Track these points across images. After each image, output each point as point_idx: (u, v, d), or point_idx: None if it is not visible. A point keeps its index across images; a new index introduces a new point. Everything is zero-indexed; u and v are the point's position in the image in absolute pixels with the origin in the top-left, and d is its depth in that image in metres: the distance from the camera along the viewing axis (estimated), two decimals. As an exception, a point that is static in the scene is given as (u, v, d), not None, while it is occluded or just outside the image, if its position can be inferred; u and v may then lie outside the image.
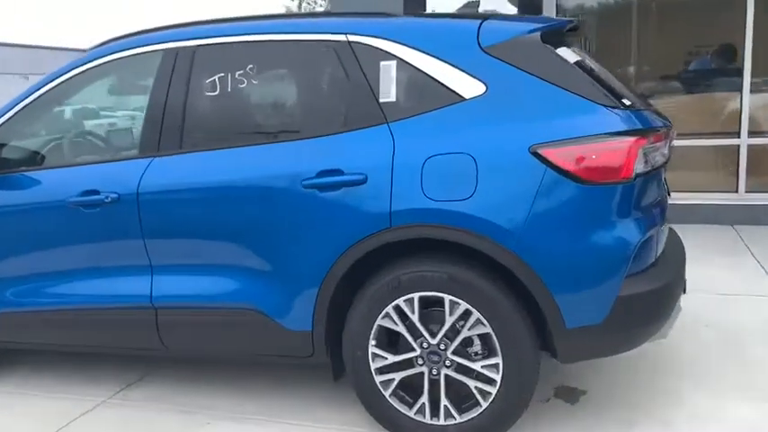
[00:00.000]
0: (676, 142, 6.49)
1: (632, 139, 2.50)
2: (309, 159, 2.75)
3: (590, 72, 2.74)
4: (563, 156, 2.50)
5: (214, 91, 2.97)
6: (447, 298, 2.64)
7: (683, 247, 3.20)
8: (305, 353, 2.89)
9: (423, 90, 2.72)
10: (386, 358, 2.77)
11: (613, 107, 2.57)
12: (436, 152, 2.61)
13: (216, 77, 2.97)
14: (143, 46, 3.14)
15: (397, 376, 2.78)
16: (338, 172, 2.70)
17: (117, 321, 3.16)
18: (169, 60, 3.05)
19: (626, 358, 3.50)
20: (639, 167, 2.53)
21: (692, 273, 4.90)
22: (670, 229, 3.34)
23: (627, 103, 2.64)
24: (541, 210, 2.51)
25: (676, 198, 6.30)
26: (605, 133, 2.51)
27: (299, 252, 2.79)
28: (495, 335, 2.61)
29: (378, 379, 2.79)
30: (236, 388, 3.40)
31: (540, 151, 2.50)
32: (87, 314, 3.20)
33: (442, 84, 2.68)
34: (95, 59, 3.21)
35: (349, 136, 2.75)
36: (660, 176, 2.85)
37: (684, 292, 3.28)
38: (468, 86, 2.65)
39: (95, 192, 3.03)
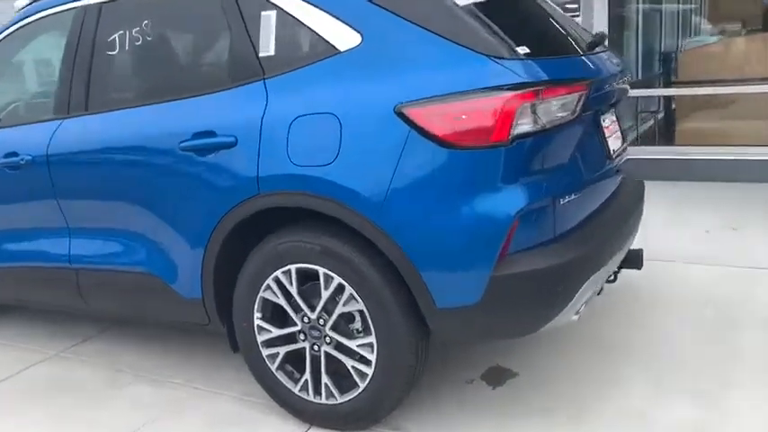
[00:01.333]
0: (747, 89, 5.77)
1: (507, 94, 2.13)
2: (187, 120, 2.61)
3: (492, 16, 2.37)
4: (427, 116, 2.19)
5: (114, 50, 2.88)
6: (321, 271, 2.44)
7: (632, 216, 2.79)
8: (202, 321, 2.81)
9: (301, 42, 2.48)
10: (270, 331, 2.62)
11: (501, 57, 2.20)
12: (303, 112, 2.37)
13: (116, 35, 2.87)
14: (61, 4, 3.09)
15: (282, 350, 2.63)
16: (211, 134, 2.54)
17: (50, 280, 3.22)
18: (79, 19, 2.98)
19: (588, 338, 3.16)
20: (524, 127, 2.17)
21: (727, 242, 4.37)
22: (626, 193, 2.93)
23: (521, 51, 2.25)
24: (405, 177, 2.23)
25: (740, 153, 5.63)
26: (479, 88, 2.16)
27: (182, 218, 2.68)
28: (368, 312, 2.39)
29: (264, 352, 2.66)
30: (170, 351, 3.39)
31: (405, 111, 2.20)
32: (29, 272, 3.29)
33: (319, 35, 2.42)
34: (23, 19, 3.22)
35: (226, 94, 2.57)
36: (580, 133, 2.44)
37: (638, 267, 2.89)
38: (344, 37, 2.37)
39: (15, 154, 3.07)
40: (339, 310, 2.45)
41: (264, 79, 2.48)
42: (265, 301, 2.60)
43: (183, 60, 2.83)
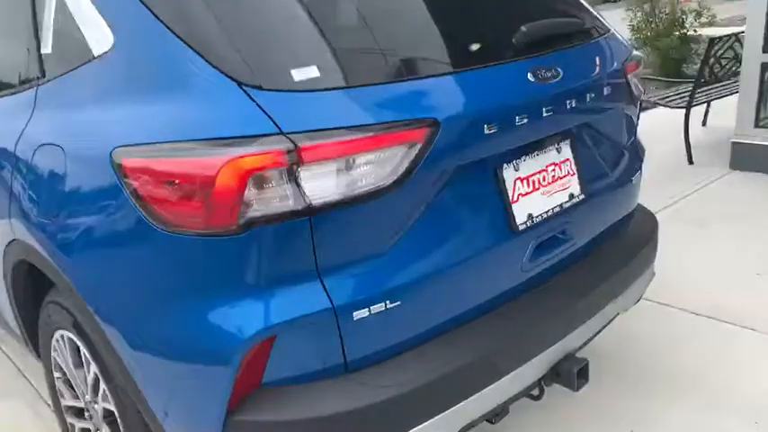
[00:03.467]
0: None
1: (228, 154, 1.31)
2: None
3: (302, 11, 1.51)
4: (139, 172, 1.44)
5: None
6: (82, 347, 1.85)
7: (581, 305, 1.84)
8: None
9: (70, 39, 1.79)
10: (65, 397, 2.12)
11: (257, 86, 1.37)
12: (45, 140, 1.74)
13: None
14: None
15: (77, 424, 2.11)
16: (-15, 152, 2.00)
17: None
18: None
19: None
20: (271, 206, 1.34)
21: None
22: (589, 266, 1.96)
23: (299, 75, 1.39)
24: (116, 257, 1.53)
25: None
26: (200, 139, 1.36)
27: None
28: (119, 417, 1.77)
29: (67, 419, 2.16)
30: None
31: (118, 159, 1.47)
32: None
33: (81, 31, 1.72)
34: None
35: (8, 101, 2.00)
36: (426, 201, 1.53)
37: (572, 388, 1.93)
38: (100, 37, 1.65)
39: None
40: (101, 404, 1.86)
41: (39, 85, 1.87)
42: (57, 362, 2.08)
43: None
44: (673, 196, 4.30)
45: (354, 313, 1.45)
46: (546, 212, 1.77)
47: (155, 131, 1.43)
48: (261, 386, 1.46)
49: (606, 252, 2.05)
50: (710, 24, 8.65)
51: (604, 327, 2.13)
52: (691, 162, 4.97)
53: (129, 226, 1.46)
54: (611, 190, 2.02)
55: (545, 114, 1.66)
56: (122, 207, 1.46)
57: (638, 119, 2.26)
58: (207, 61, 1.41)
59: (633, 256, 2.08)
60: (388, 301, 1.48)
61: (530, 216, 1.73)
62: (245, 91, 1.37)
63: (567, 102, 1.73)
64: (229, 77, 1.38)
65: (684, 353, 2.65)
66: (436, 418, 1.55)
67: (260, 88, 1.37)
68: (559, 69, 1.72)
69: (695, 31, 8.49)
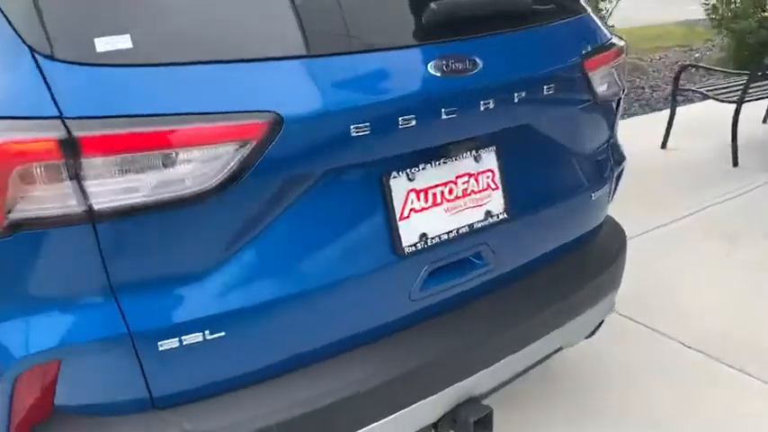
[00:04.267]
0: None
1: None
2: None
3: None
4: None
5: None
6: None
7: (491, 342, 1.54)
8: None
9: None
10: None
11: (50, 56, 1.10)
12: None
13: None
14: None
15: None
16: None
17: None
18: None
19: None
20: (46, 207, 1.09)
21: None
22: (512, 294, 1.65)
23: (105, 43, 1.11)
24: None
25: None
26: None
27: None
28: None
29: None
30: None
31: None
32: None
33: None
34: None
35: None
36: (262, 214, 1.24)
37: None
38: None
39: None
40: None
41: None
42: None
43: None
44: (703, 202, 3.83)
45: (159, 342, 1.19)
46: (448, 233, 1.45)
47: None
48: (53, 414, 1.23)
49: (545, 278, 1.72)
50: (797, 9, 7.81)
51: (538, 363, 1.82)
52: (735, 164, 4.45)
53: None
54: (555, 208, 1.68)
55: (446, 117, 1.33)
56: None
57: (614, 121, 1.89)
58: (7, 20, 1.14)
59: (581, 285, 1.75)
60: (207, 331, 1.22)
61: (423, 236, 1.42)
62: (35, 60, 1.10)
63: (485, 102, 1.39)
64: (24, 41, 1.12)
65: (650, 389, 2.30)
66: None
67: (52, 58, 1.10)
68: (478, 60, 1.38)
69: (778, 15, 7.68)
